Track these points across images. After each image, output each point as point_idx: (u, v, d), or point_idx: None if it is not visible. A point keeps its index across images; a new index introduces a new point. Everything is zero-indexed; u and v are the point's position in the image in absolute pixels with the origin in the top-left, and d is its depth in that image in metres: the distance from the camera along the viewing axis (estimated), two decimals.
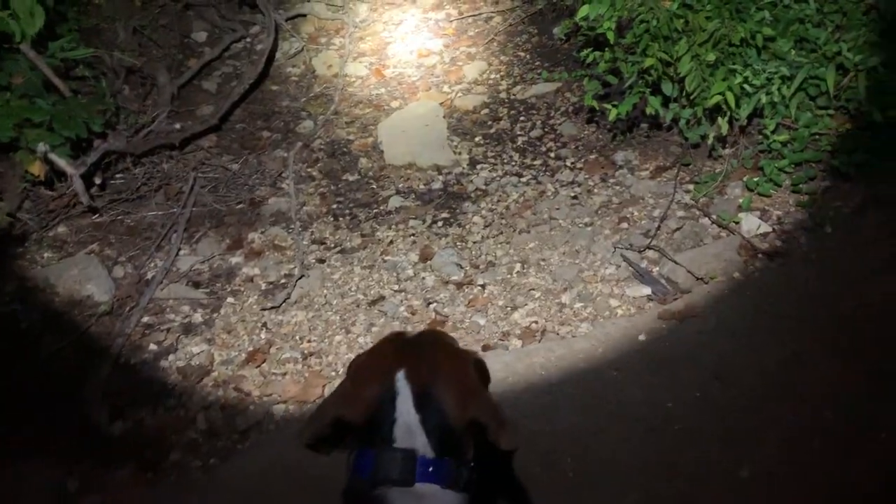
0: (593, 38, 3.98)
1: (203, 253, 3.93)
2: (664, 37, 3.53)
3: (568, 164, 4.15)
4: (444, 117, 4.59)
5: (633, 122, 3.95)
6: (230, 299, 3.65)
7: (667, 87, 3.60)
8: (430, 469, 1.41)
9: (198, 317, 3.56)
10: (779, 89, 3.40)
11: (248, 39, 5.46)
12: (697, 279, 3.16)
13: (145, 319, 3.56)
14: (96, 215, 4.06)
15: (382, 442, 1.44)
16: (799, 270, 3.09)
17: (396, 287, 3.56)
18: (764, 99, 3.42)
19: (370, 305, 3.47)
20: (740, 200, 3.52)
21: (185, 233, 4.04)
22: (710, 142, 3.62)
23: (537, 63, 5.04)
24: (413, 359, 1.52)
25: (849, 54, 3.38)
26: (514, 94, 4.80)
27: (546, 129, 4.45)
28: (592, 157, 4.14)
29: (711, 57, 3.43)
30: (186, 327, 3.51)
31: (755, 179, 3.54)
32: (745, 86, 3.44)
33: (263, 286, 3.70)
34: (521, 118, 4.59)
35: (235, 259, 3.88)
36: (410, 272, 3.64)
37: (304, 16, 5.68)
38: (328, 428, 1.52)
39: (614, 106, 3.67)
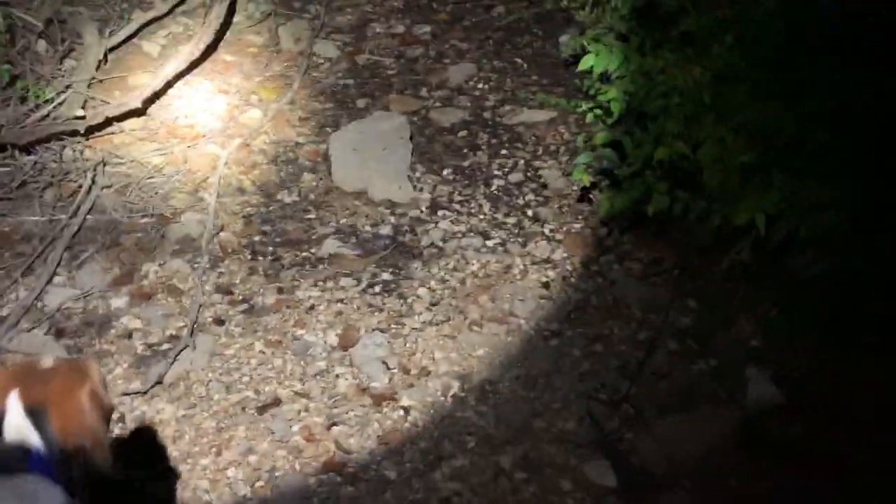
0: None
1: (82, 284, 2.87)
2: (686, 116, 2.40)
3: (546, 230, 3.05)
4: (410, 138, 3.46)
5: (631, 220, 2.83)
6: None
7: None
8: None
9: None
10: (832, 222, 2.29)
11: None
12: (674, 474, 2.12)
13: None
14: None
15: None
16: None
17: (299, 387, 2.52)
18: (804, 230, 2.32)
19: (259, 412, 2.44)
20: (752, 343, 2.47)
21: (67, 251, 2.96)
22: (724, 265, 2.54)
23: (534, 77, 3.86)
24: (24, 382, 1.46)
25: None
26: (500, 116, 3.65)
27: (529, 174, 3.33)
28: (577, 227, 3.04)
29: (747, 158, 2.31)
30: None
31: (774, 318, 2.48)
32: (784, 204, 2.33)
33: (139, 349, 2.66)
34: (503, 151, 3.46)
35: (119, 300, 2.82)
36: (322, 364, 2.60)
37: None
38: None
39: (609, 198, 2.56)
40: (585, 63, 2.67)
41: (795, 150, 2.37)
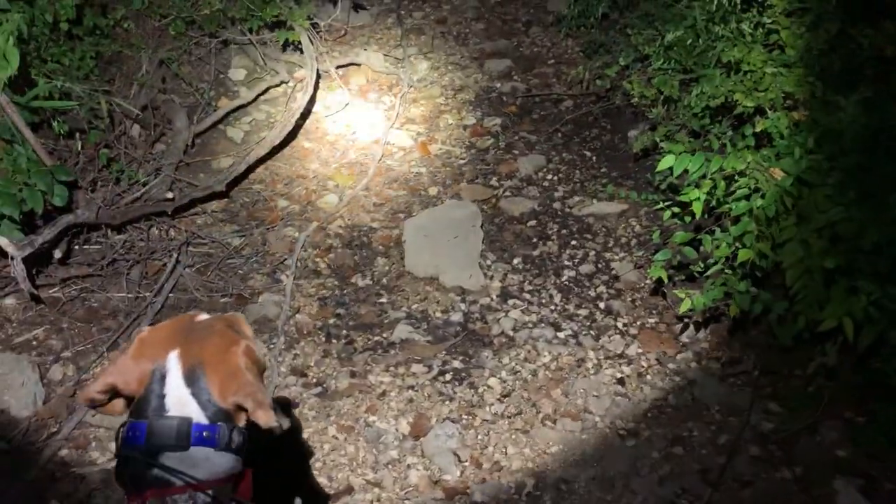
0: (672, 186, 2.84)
1: None
2: (768, 218, 2.39)
3: (619, 324, 3.03)
4: (481, 226, 3.50)
5: (710, 317, 2.80)
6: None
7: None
8: (204, 434, 1.39)
9: None
10: None
11: (291, 84, 4.42)
12: None
13: (63, 453, 2.58)
14: (54, 289, 3.10)
15: (155, 413, 1.41)
16: None
17: (371, 476, 2.51)
18: (894, 336, 2.25)
19: (332, 499, 2.43)
20: (839, 453, 2.38)
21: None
22: (809, 369, 2.47)
23: (603, 170, 3.90)
24: (187, 341, 1.48)
25: None
26: (569, 207, 3.68)
27: (600, 266, 3.33)
28: (651, 322, 3.01)
29: (831, 263, 2.28)
30: (108, 476, 2.52)
31: (862, 426, 2.39)
32: (871, 308, 2.28)
33: None
34: (573, 242, 3.48)
35: None
36: (394, 453, 2.58)
37: (358, 65, 4.62)
38: (102, 394, 1.47)
39: (688, 294, 2.53)
40: (665, 163, 2.69)
41: (880, 254, 2.33)
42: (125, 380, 1.46)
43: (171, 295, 3.20)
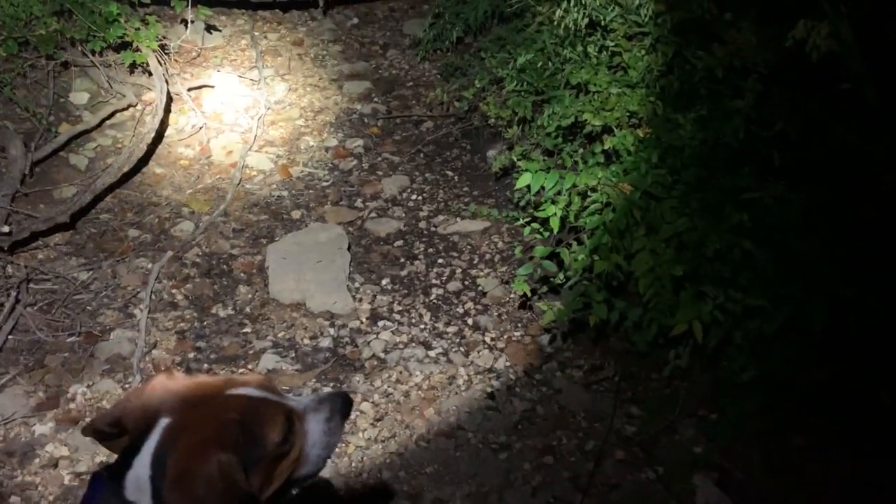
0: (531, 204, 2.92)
1: (3, 410, 2.66)
2: (619, 230, 2.50)
3: (487, 339, 3.05)
4: (348, 248, 3.45)
5: (571, 328, 2.88)
6: (13, 499, 2.39)
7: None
8: None
9: None
10: (760, 328, 2.40)
11: (140, 108, 4.18)
12: None
13: None
14: None
15: (116, 482, 1.27)
16: None
17: None
18: (738, 336, 2.41)
19: None
20: (696, 450, 2.50)
21: None
22: (665, 372, 2.60)
23: (465, 188, 3.95)
24: (188, 413, 1.29)
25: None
26: (434, 226, 3.70)
27: (466, 283, 3.36)
28: (517, 335, 3.06)
29: (679, 271, 2.41)
30: None
31: (713, 419, 2.52)
32: (716, 312, 2.42)
33: (66, 479, 2.46)
34: (440, 261, 3.49)
35: (43, 427, 2.62)
36: None
37: (212, 87, 4.45)
38: (109, 427, 1.34)
39: (550, 307, 2.59)
40: (522, 181, 2.76)
41: (722, 260, 2.48)
42: (127, 419, 1.33)
43: (10, 337, 2.91)
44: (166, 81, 4.03)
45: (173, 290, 3.26)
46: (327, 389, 2.84)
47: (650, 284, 2.50)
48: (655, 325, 2.51)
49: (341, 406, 1.50)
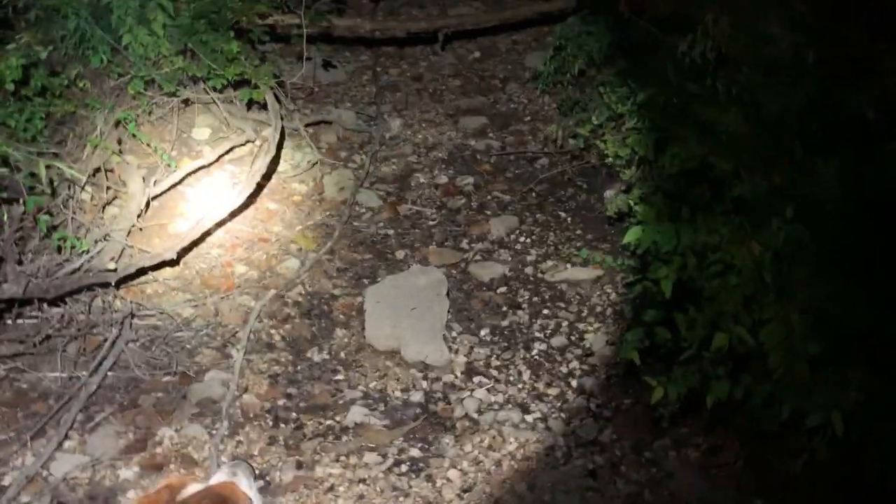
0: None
1: (93, 450, 2.64)
2: (745, 296, 2.13)
3: (592, 405, 2.74)
4: (447, 294, 3.24)
5: (686, 406, 2.50)
6: None
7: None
8: None
9: None
10: None
11: (258, 143, 4.19)
12: None
13: None
14: None
15: None
16: None
17: None
18: (890, 430, 1.97)
19: None
20: None
21: (82, 412, 2.76)
22: (798, 465, 2.19)
23: (578, 231, 3.66)
24: None
25: None
26: (542, 272, 3.42)
27: (573, 338, 3.06)
28: (626, 403, 2.73)
29: (816, 349, 2.01)
30: None
31: None
32: (861, 399, 1.99)
33: None
34: (545, 311, 3.21)
35: (128, 471, 2.58)
36: None
37: (329, 123, 4.42)
38: None
39: (662, 383, 2.25)
40: (631, 236, 2.44)
41: (871, 338, 2.06)
42: None
43: (109, 373, 2.92)
44: (281, 118, 4.00)
45: (272, 331, 3.19)
46: (414, 451, 2.63)
47: (781, 361, 2.11)
48: (787, 409, 2.11)
49: None
